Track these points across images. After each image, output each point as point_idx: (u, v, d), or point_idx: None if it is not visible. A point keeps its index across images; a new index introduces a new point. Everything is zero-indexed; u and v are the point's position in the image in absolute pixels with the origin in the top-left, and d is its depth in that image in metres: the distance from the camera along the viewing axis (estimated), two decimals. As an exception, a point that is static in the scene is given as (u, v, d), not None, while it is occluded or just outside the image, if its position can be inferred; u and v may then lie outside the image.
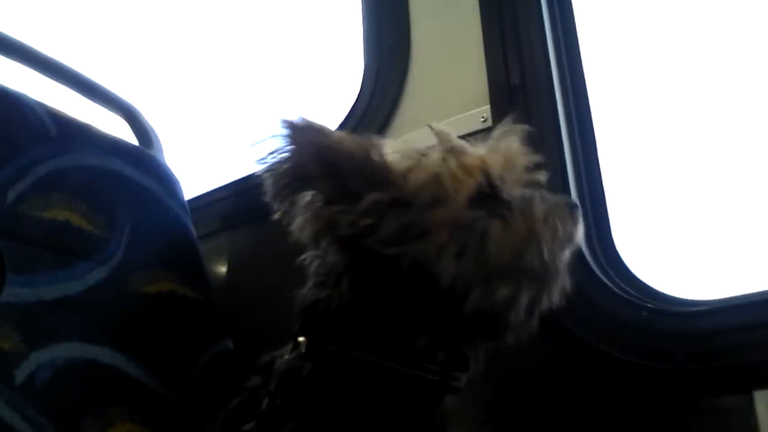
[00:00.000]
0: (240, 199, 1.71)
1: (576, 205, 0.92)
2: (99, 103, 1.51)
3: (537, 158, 0.94)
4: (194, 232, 1.46)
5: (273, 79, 2.12)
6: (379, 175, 0.85)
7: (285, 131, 0.85)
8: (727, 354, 1.02)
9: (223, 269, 1.66)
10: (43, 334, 1.05)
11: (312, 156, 0.85)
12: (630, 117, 1.39)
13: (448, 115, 1.37)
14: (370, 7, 1.62)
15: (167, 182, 1.44)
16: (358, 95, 1.57)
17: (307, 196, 0.87)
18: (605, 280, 1.16)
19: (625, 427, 1.09)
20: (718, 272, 1.21)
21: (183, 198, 1.48)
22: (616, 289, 1.15)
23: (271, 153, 0.86)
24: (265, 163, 0.87)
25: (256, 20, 2.23)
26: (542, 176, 0.94)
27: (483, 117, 1.32)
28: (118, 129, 1.49)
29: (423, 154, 0.88)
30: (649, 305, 1.11)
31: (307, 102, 1.96)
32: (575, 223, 0.90)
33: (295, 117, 0.85)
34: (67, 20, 2.51)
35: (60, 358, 1.05)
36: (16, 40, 1.36)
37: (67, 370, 1.05)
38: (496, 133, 0.93)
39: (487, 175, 0.86)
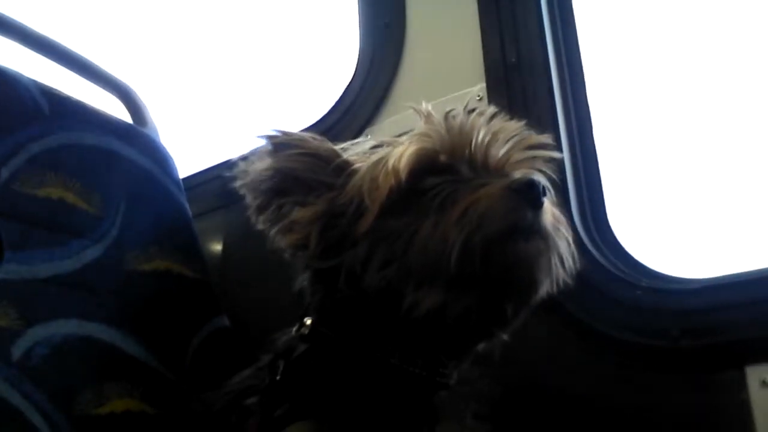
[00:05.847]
0: (235, 178, 1.70)
1: (529, 185, 0.73)
2: (93, 82, 1.49)
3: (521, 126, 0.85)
4: (189, 211, 1.45)
5: (268, 56, 2.11)
6: (329, 185, 0.83)
7: (266, 147, 0.86)
8: (719, 331, 1.03)
9: (218, 247, 1.66)
10: (40, 311, 1.05)
11: (289, 171, 0.85)
12: (626, 94, 1.38)
13: (443, 92, 1.36)
14: (366, -16, 1.61)
15: (162, 161, 1.44)
16: (354, 73, 1.56)
17: (286, 208, 0.85)
18: (599, 258, 1.17)
19: (618, 403, 1.10)
20: (711, 250, 1.21)
21: (178, 176, 1.48)
22: (610, 267, 1.16)
23: (251, 170, 0.87)
24: (245, 178, 0.88)
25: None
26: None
27: (479, 95, 1.31)
28: (113, 108, 1.49)
29: (370, 155, 0.84)
30: (642, 283, 1.12)
31: (303, 80, 1.95)
32: (520, 208, 0.72)
33: (274, 132, 0.86)
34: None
35: (57, 334, 1.05)
36: (9, 18, 1.34)
37: (64, 347, 1.05)
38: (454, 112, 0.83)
39: (410, 172, 0.77)
